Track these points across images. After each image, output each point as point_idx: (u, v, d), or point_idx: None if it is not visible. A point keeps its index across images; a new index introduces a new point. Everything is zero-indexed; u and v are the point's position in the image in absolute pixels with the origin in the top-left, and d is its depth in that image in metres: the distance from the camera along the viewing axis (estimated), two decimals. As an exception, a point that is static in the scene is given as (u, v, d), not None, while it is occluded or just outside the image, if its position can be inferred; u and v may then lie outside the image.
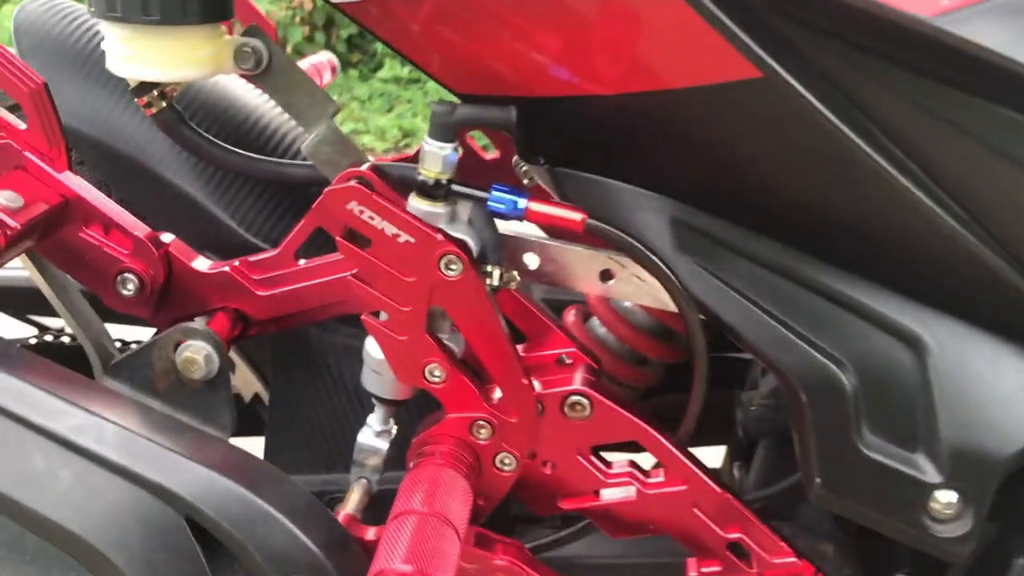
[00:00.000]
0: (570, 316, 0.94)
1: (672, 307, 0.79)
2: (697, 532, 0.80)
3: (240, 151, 0.81)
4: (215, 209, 0.89)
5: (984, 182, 0.68)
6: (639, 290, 0.79)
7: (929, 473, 0.74)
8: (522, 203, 0.70)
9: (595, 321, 0.92)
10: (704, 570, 0.81)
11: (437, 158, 0.69)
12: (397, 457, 0.81)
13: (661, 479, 0.79)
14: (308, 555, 0.69)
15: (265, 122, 0.91)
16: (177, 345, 0.76)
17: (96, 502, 0.67)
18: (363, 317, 0.73)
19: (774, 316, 0.74)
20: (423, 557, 0.63)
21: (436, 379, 0.74)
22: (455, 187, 0.71)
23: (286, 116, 0.82)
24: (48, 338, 1.20)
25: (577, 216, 0.71)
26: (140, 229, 0.79)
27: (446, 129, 0.69)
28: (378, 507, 0.80)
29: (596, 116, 0.69)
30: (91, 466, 0.67)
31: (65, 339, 1.19)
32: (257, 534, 0.68)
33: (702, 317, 0.75)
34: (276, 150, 0.91)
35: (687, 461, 0.78)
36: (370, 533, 0.75)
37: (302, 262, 0.80)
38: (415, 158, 0.91)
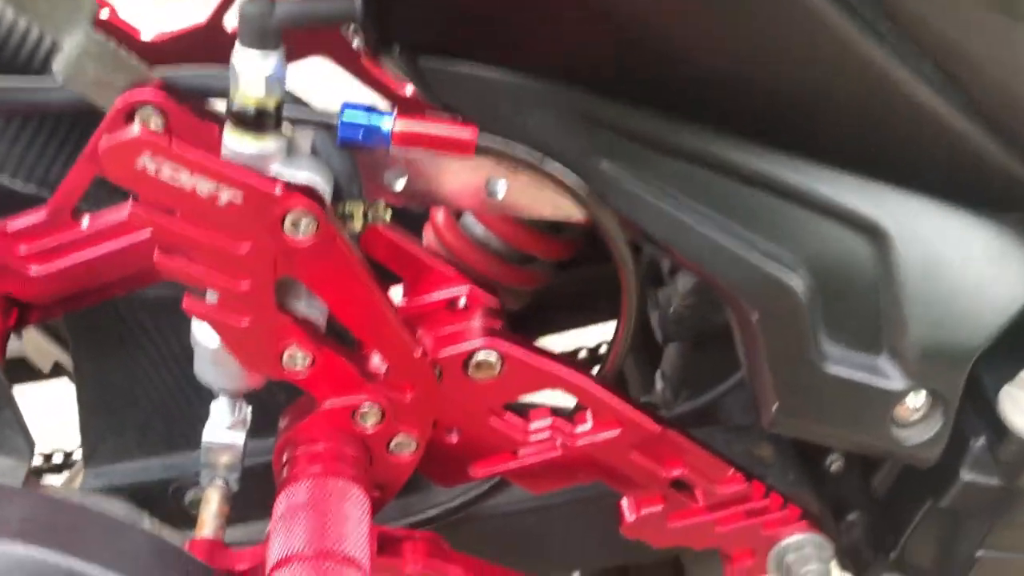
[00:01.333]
0: (438, 216, 0.76)
1: (576, 215, 0.63)
2: (634, 475, 0.67)
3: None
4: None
5: (968, 37, 0.54)
6: (536, 201, 0.63)
7: (895, 379, 0.64)
8: (387, 125, 0.51)
9: (470, 218, 0.75)
10: (644, 511, 0.69)
11: (257, 77, 0.48)
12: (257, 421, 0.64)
13: (589, 426, 0.65)
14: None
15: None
16: (-76, 368, 0.55)
17: None
18: (185, 302, 0.54)
19: (712, 222, 0.60)
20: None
21: (299, 365, 0.56)
22: (287, 113, 0.50)
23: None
24: None
25: (465, 134, 0.52)
26: None
27: (265, 35, 0.47)
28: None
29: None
30: None
31: None
32: (92, 617, 0.51)
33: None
34: (31, 62, 0.66)
35: (618, 402, 0.64)
36: (243, 559, 0.59)
37: (85, 222, 0.58)
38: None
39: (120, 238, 0.58)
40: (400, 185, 0.61)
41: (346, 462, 0.58)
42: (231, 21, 0.82)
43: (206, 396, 0.75)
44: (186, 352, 0.73)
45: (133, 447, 0.76)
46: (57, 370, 0.82)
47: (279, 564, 0.51)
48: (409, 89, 0.89)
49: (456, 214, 0.75)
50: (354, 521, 0.54)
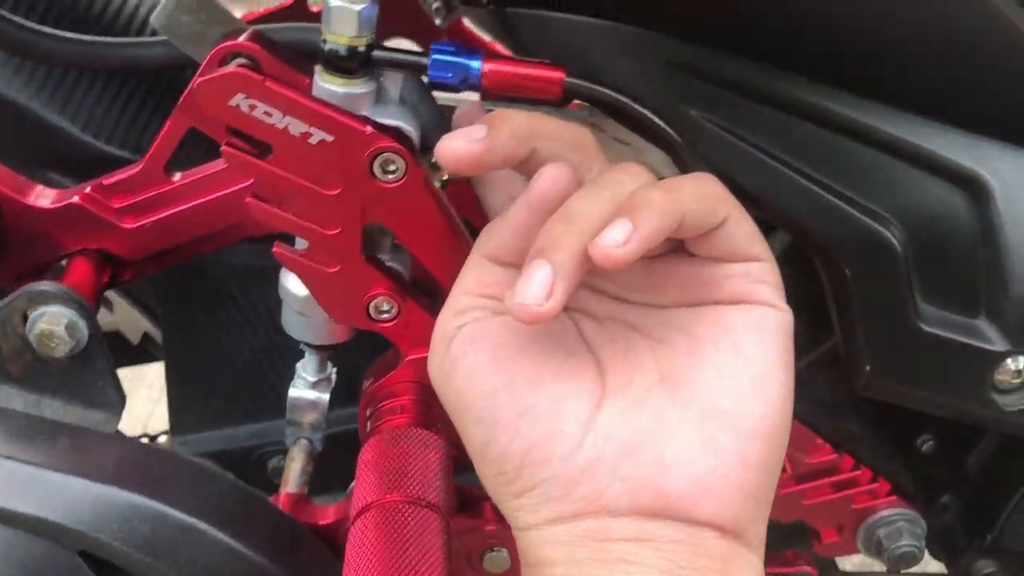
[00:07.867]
0: None
1: (667, 173, 0.63)
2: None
3: (72, 36, 0.59)
4: (48, 115, 0.66)
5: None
6: (623, 158, 0.62)
7: (996, 340, 0.61)
8: (476, 66, 0.51)
9: None
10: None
11: (348, 16, 0.49)
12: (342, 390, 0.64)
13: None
14: (251, 568, 0.53)
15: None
16: (26, 316, 0.56)
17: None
18: (275, 249, 0.54)
19: (805, 174, 0.58)
20: (406, 567, 0.47)
21: (385, 315, 0.56)
22: (377, 55, 0.51)
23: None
24: None
25: (554, 76, 0.51)
26: (-60, 159, 0.57)
27: (357, -27, 0.48)
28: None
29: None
30: (-71, 512, 0.48)
31: None
32: (180, 557, 0.51)
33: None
34: (128, 25, 0.68)
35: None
36: (327, 514, 0.59)
37: (177, 177, 0.59)
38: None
39: (209, 193, 0.59)
40: (483, 142, 0.61)
41: (428, 415, 0.57)
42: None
43: (290, 365, 0.75)
44: (272, 321, 0.74)
45: (218, 415, 0.77)
46: (144, 344, 0.84)
47: (362, 511, 0.51)
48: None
49: None
50: (436, 470, 0.54)
